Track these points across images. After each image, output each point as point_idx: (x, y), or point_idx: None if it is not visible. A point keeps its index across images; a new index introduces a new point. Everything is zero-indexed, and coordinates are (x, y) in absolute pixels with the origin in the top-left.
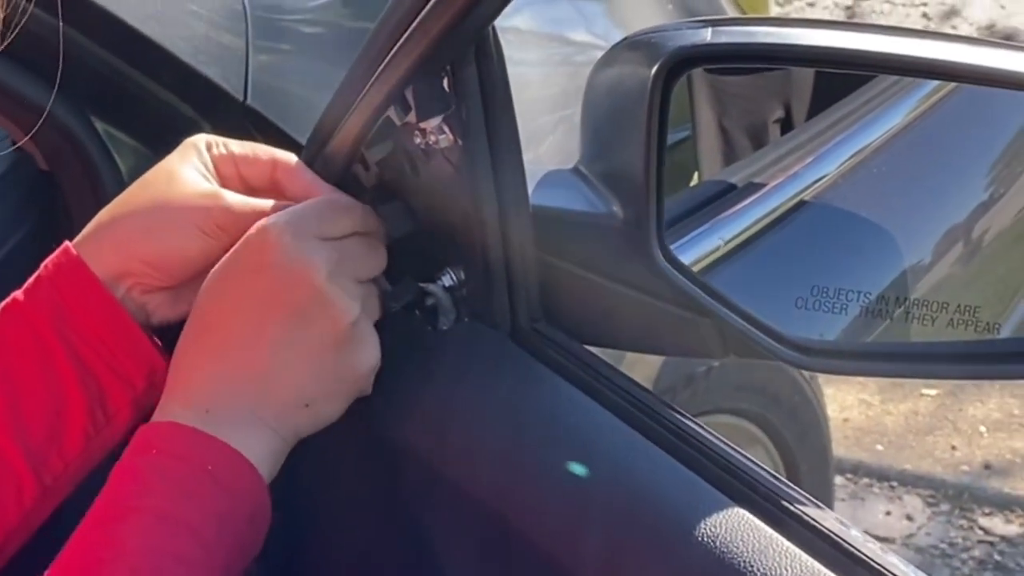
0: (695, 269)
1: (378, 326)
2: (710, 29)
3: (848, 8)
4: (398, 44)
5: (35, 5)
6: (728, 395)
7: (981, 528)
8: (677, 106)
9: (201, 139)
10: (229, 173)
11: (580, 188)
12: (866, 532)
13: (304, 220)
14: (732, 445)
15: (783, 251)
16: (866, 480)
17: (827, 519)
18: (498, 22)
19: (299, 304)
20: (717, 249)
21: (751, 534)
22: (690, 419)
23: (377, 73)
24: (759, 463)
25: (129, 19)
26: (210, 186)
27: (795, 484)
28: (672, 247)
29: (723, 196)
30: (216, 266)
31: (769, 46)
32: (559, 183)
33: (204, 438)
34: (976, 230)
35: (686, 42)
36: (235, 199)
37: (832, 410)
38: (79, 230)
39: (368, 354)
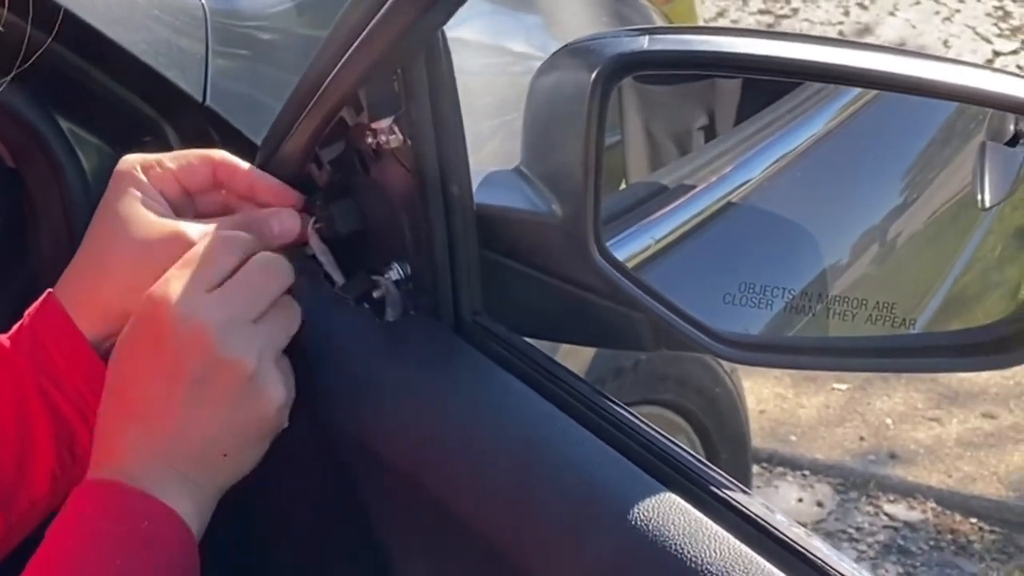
0: (630, 266)
1: (294, 348)
2: (647, 37)
3: (769, 27)
4: (352, 48)
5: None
6: (654, 386)
7: (886, 514)
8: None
9: (134, 166)
10: (171, 189)
11: (522, 188)
12: None
13: (188, 282)
14: (664, 433)
15: (713, 249)
16: (780, 468)
17: (754, 504)
18: (460, 31)
19: (197, 370)
20: (650, 247)
21: (681, 518)
22: (624, 408)
23: (332, 75)
24: (689, 450)
25: (94, 22)
26: (169, 223)
27: None
28: (608, 244)
29: (657, 196)
30: (120, 337)
31: (703, 54)
32: (502, 183)
33: (137, 497)
34: (891, 232)
35: (624, 49)
36: (195, 230)
37: (749, 402)
38: (44, 225)
39: (275, 395)
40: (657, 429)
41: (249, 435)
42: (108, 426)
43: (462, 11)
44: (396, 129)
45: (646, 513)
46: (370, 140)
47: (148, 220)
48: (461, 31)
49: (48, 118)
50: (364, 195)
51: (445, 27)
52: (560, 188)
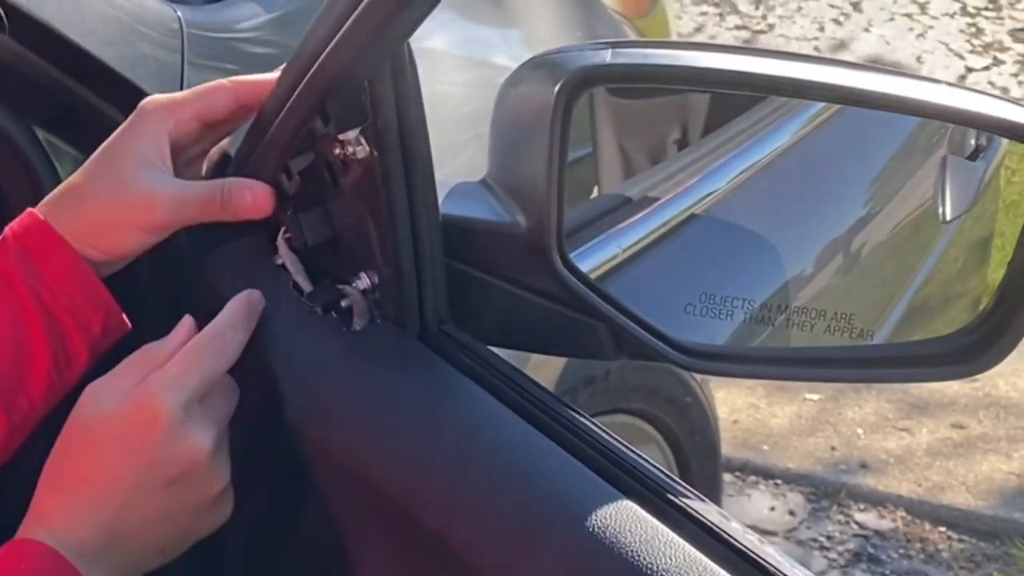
0: (593, 276)
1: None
2: (610, 51)
3: (746, 42)
4: (319, 59)
5: None
6: (625, 396)
7: (856, 523)
8: (579, 124)
9: (156, 109)
10: (191, 130)
11: (487, 199)
12: (752, 526)
13: (189, 388)
14: (624, 442)
15: (676, 260)
16: (753, 478)
17: (710, 512)
18: (429, 45)
19: (181, 481)
20: (614, 257)
21: (638, 525)
22: (586, 417)
23: (300, 87)
24: (649, 459)
25: (71, 34)
26: (148, 187)
27: (686, 480)
28: (572, 255)
29: (621, 208)
30: (96, 405)
31: (665, 67)
32: (468, 194)
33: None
34: (855, 243)
35: (587, 62)
36: (170, 200)
37: (722, 412)
38: None
39: (228, 507)
40: (617, 438)
41: (192, 538)
42: (63, 500)
43: (450, 27)
44: (363, 140)
45: (603, 520)
46: (338, 151)
47: (133, 175)
48: (449, 46)
49: (25, 128)
50: (333, 205)
51: (427, 40)
52: (524, 199)
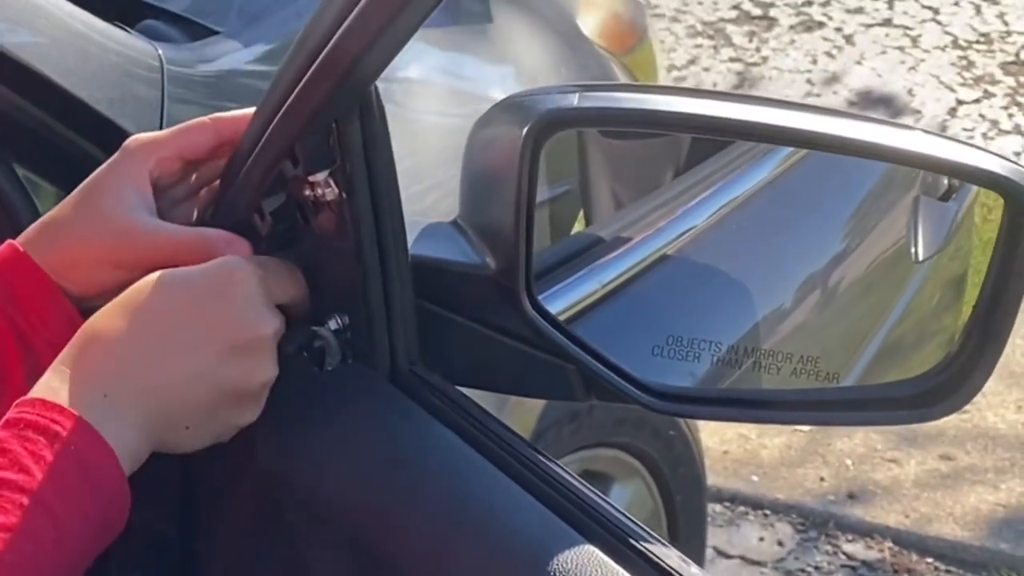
0: (564, 318)
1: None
2: (578, 94)
3: (739, 74)
4: (288, 101)
5: None
6: (609, 430)
7: (845, 553)
8: (565, 162)
9: (139, 148)
10: (173, 168)
11: (457, 240)
12: (741, 556)
13: (273, 280)
14: (588, 485)
15: (645, 302)
16: (742, 508)
17: (670, 557)
18: (419, 78)
19: (240, 352)
20: (584, 299)
21: (599, 570)
22: (552, 461)
23: (270, 128)
24: (612, 503)
25: (51, 72)
26: (126, 224)
27: (670, 512)
28: (542, 296)
29: (592, 249)
30: (172, 271)
31: (633, 111)
32: (438, 235)
33: (89, 433)
34: (828, 284)
35: (555, 105)
36: (144, 238)
37: (713, 443)
38: None
39: (260, 409)
40: (582, 481)
41: (220, 427)
42: (109, 343)
43: (437, 61)
44: (332, 182)
45: (564, 564)
46: (308, 192)
47: (110, 212)
48: (437, 79)
49: (5, 165)
50: (305, 245)
51: (417, 73)
52: (493, 241)
